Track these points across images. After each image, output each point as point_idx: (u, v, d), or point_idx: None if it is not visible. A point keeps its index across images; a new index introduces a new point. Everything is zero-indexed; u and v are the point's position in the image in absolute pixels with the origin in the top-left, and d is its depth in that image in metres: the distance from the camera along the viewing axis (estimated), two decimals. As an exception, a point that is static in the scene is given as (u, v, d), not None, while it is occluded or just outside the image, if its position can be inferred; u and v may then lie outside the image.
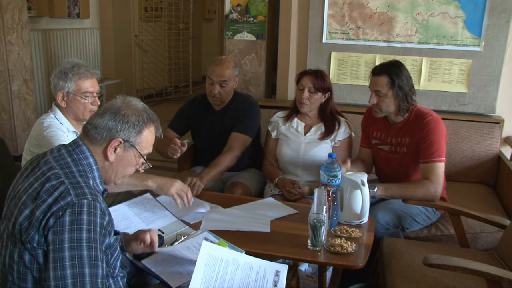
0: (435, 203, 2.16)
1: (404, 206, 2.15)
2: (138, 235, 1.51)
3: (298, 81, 2.40)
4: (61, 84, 1.88)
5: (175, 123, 2.64)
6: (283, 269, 1.41)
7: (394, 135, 2.24)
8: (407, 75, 2.17)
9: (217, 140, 2.50)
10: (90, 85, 1.91)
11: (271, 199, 2.16)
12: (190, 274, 1.44)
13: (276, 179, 2.38)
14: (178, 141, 2.24)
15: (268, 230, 1.79)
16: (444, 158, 2.12)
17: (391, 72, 2.13)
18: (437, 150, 2.10)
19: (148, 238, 1.50)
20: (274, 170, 2.47)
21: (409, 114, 2.21)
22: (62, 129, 1.88)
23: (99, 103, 1.93)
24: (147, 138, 1.35)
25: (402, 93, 2.13)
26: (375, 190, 2.07)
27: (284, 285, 1.38)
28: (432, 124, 2.13)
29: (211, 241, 1.60)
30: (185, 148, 2.19)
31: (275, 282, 1.37)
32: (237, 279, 1.35)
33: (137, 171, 1.42)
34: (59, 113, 1.92)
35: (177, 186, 1.90)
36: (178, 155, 2.23)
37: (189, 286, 1.29)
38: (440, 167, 2.10)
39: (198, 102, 2.63)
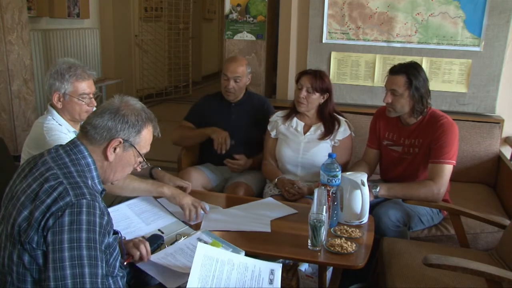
0: (435, 203, 2.16)
1: (413, 205, 2.15)
2: (128, 248, 1.50)
3: (297, 80, 2.41)
4: (58, 85, 1.84)
5: (191, 116, 2.76)
6: (278, 267, 1.43)
7: (407, 136, 2.24)
8: (425, 77, 2.16)
9: (230, 135, 2.58)
10: (86, 86, 1.88)
11: (270, 199, 2.16)
12: (187, 274, 1.44)
13: (276, 179, 2.37)
14: (229, 141, 2.53)
15: (269, 230, 1.79)
16: (454, 161, 2.12)
17: (409, 73, 2.12)
18: (448, 152, 2.09)
19: (137, 254, 1.48)
20: (273, 170, 2.47)
21: (423, 116, 2.20)
22: (63, 131, 1.86)
23: (95, 104, 1.91)
24: (146, 137, 1.36)
25: (418, 95, 2.12)
26: (378, 189, 2.07)
27: (279, 282, 1.39)
28: (447, 126, 2.13)
29: (205, 241, 1.61)
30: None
31: (270, 280, 1.39)
32: (233, 279, 1.36)
33: (134, 169, 1.42)
34: (56, 115, 1.89)
35: (190, 198, 1.89)
36: (223, 151, 2.52)
37: (187, 286, 1.30)
38: (447, 169, 2.10)
39: (211, 99, 2.77)
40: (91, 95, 1.91)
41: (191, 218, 1.84)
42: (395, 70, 2.17)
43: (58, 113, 1.90)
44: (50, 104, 1.92)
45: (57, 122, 1.89)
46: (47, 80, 1.87)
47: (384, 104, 2.23)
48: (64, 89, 1.85)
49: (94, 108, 1.87)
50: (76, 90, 1.86)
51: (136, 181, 1.88)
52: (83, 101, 1.88)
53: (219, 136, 2.54)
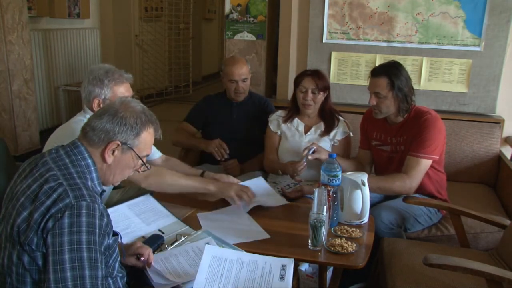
0: (435, 203, 2.17)
1: (408, 207, 2.15)
2: (136, 249, 1.49)
3: (298, 83, 2.40)
4: (97, 91, 1.84)
5: (192, 117, 2.78)
6: (290, 263, 1.42)
7: (394, 135, 2.24)
8: (406, 75, 2.16)
9: (232, 134, 2.62)
10: (125, 90, 1.89)
11: (261, 179, 2.19)
12: (188, 275, 1.44)
13: (280, 169, 2.38)
14: (225, 145, 2.55)
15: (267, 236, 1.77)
16: (434, 156, 2.11)
17: (391, 74, 2.12)
18: (428, 147, 2.09)
19: (147, 253, 1.48)
20: (276, 163, 2.47)
21: (408, 114, 2.21)
22: None
23: None
24: (146, 140, 1.34)
25: (402, 94, 2.13)
26: None
27: (291, 278, 1.38)
28: (429, 122, 2.12)
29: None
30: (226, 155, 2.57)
31: (281, 276, 1.38)
32: (243, 277, 1.35)
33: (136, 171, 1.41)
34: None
35: (236, 187, 1.92)
36: (226, 156, 2.55)
37: (194, 286, 1.30)
38: (423, 164, 2.10)
39: (212, 99, 2.80)
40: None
41: (246, 200, 1.89)
42: (376, 72, 2.17)
43: None
44: (86, 106, 1.92)
45: None
46: (84, 88, 1.87)
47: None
48: (104, 95, 1.85)
49: None
50: (115, 94, 1.86)
51: (183, 178, 1.92)
52: None
53: (213, 147, 2.56)
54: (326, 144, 2.41)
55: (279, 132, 2.52)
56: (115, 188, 2.23)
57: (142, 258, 1.48)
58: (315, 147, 2.23)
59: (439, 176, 2.26)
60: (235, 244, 1.66)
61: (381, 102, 2.15)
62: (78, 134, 1.81)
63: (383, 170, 2.36)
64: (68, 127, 1.91)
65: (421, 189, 2.21)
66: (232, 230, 1.78)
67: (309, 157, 2.21)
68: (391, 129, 2.26)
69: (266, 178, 2.58)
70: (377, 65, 3.00)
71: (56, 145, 1.85)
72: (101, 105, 1.86)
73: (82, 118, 1.89)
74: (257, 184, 2.14)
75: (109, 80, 1.85)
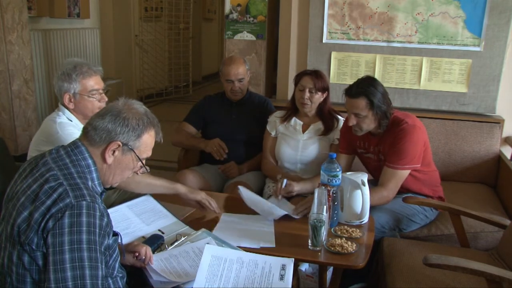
0: (435, 203, 2.17)
1: (400, 207, 2.14)
2: (133, 247, 1.50)
3: (297, 81, 2.41)
4: (66, 86, 1.86)
5: (192, 117, 2.78)
6: (289, 262, 1.42)
7: (376, 144, 2.22)
8: (383, 91, 2.11)
9: (231, 134, 2.63)
10: (94, 83, 1.89)
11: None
12: (188, 275, 1.44)
13: (279, 176, 2.37)
14: (224, 145, 2.57)
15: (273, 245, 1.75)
16: (412, 165, 2.09)
17: (368, 93, 2.06)
18: (404, 158, 2.07)
19: (143, 251, 1.48)
20: (274, 168, 2.48)
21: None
22: (77, 127, 1.86)
23: (106, 99, 1.92)
24: (147, 142, 1.35)
25: (381, 111, 2.09)
26: None
27: (290, 278, 1.38)
28: (405, 132, 2.08)
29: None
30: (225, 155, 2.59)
31: (281, 275, 1.38)
32: (243, 277, 1.36)
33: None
34: (66, 112, 1.91)
35: (204, 193, 1.94)
36: (225, 155, 2.58)
37: (193, 286, 1.30)
38: (399, 175, 2.08)
39: (212, 99, 2.80)
40: (101, 91, 1.92)
41: (212, 208, 1.90)
42: (353, 93, 2.10)
43: (71, 113, 1.92)
44: (61, 103, 1.93)
45: (67, 118, 1.91)
46: (55, 83, 1.88)
47: None
48: (73, 89, 1.86)
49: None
50: (85, 87, 1.87)
51: (150, 177, 1.91)
52: (93, 98, 1.89)
53: (212, 147, 2.58)
54: (324, 143, 2.41)
55: (273, 133, 2.53)
56: (110, 188, 2.23)
57: (137, 254, 1.48)
58: (286, 180, 2.17)
59: (428, 175, 2.25)
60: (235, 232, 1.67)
61: (362, 122, 2.11)
62: (50, 130, 1.83)
63: (376, 176, 2.31)
64: (43, 124, 1.94)
65: (413, 190, 2.21)
66: (242, 232, 1.78)
67: (282, 190, 2.13)
68: (373, 138, 2.23)
69: (264, 179, 2.60)
70: (377, 65, 3.02)
71: (36, 144, 1.87)
72: (72, 100, 1.88)
73: (54, 116, 1.91)
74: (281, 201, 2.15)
75: (77, 74, 1.85)
